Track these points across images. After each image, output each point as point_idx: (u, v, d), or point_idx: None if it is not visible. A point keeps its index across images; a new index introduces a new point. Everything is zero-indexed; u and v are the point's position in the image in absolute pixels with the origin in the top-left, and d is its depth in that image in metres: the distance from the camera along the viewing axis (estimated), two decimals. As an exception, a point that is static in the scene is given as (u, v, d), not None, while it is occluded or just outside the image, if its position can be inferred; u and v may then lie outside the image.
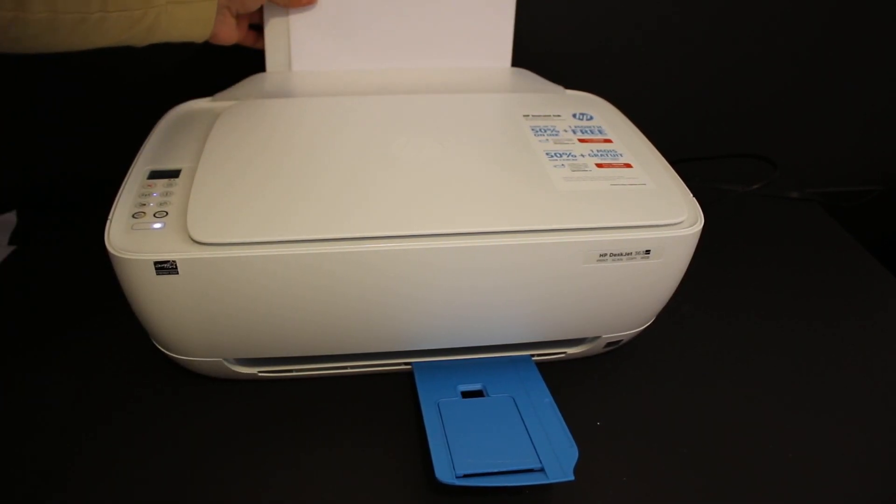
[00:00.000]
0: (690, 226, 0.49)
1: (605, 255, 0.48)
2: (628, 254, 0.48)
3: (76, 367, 0.57)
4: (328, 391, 0.56)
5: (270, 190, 0.48)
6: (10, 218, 0.78)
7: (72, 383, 0.56)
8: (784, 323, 0.66)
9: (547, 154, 0.54)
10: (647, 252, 0.49)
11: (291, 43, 0.67)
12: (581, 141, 0.57)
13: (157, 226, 0.47)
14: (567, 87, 0.69)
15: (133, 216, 0.48)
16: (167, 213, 0.48)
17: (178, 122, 0.60)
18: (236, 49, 0.67)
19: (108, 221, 0.47)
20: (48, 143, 0.81)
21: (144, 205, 0.49)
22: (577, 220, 0.48)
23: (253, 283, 0.46)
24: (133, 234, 0.46)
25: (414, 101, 0.62)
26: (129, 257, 0.44)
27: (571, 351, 0.58)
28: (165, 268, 0.44)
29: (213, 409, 0.54)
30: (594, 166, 0.53)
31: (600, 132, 0.58)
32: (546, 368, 0.57)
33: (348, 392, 0.56)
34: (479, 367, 0.57)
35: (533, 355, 0.58)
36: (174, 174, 0.52)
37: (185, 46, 0.58)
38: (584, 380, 0.59)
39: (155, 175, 0.52)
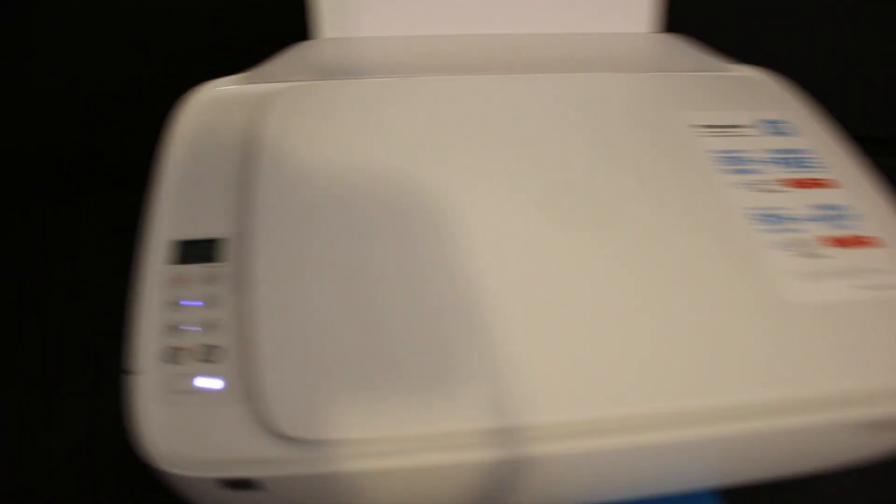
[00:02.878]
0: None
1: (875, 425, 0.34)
2: None
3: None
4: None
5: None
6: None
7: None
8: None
9: (748, 217, 0.37)
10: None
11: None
12: (789, 184, 0.39)
13: (213, 384, 0.30)
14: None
15: (165, 359, 0.30)
16: (221, 349, 0.30)
17: (203, 128, 0.39)
18: (264, 9, 0.45)
19: (131, 374, 0.30)
20: (48, 141, 0.67)
21: (177, 329, 0.31)
22: (841, 380, 0.32)
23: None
24: (174, 405, 0.29)
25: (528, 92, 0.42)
26: (181, 473, 0.27)
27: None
28: (240, 484, 0.28)
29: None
30: (822, 244, 0.36)
31: (811, 163, 0.41)
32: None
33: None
34: None
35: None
36: (210, 250, 0.34)
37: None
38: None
39: (187, 254, 0.34)
